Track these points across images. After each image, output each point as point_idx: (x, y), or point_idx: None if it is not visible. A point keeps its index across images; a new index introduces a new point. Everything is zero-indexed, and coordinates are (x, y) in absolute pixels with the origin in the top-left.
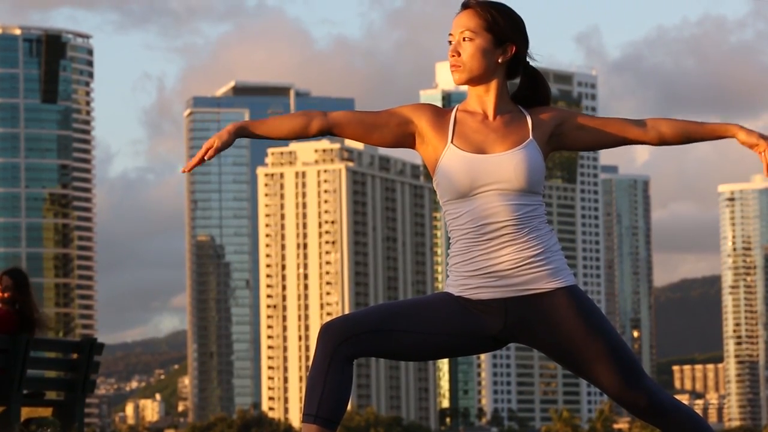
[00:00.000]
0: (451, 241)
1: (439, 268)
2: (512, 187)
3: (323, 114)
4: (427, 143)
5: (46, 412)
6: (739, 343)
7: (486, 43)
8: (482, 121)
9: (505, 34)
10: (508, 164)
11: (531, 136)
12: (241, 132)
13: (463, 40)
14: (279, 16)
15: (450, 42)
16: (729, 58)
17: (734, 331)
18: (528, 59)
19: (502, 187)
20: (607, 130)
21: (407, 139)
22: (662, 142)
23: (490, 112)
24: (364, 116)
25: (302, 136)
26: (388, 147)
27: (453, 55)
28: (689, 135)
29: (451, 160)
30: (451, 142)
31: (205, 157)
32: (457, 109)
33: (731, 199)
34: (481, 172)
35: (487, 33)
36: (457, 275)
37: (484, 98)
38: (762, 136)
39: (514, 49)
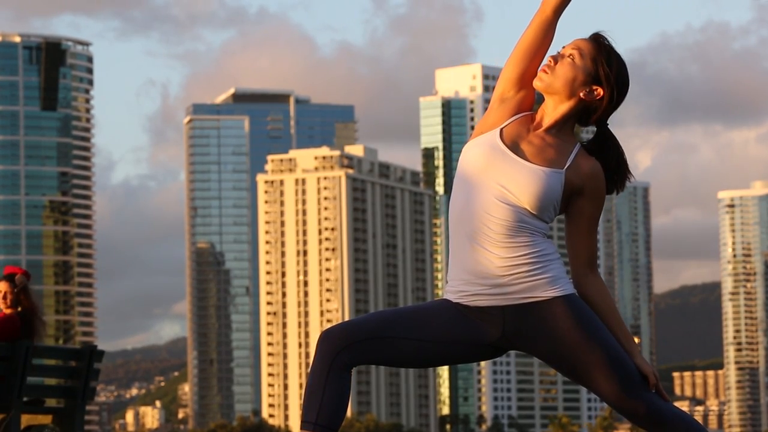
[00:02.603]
0: (449, 225)
1: (439, 275)
2: (516, 197)
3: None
4: (501, 111)
5: (46, 419)
6: (739, 350)
7: (582, 73)
8: (531, 129)
9: (603, 77)
10: (525, 176)
11: (564, 169)
12: None
13: (568, 56)
14: (282, 23)
15: (559, 53)
16: (733, 65)
17: (734, 337)
18: (607, 119)
19: (507, 192)
20: (572, 235)
21: (512, 90)
22: (580, 290)
23: (543, 125)
24: (543, 52)
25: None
26: (506, 74)
27: (549, 62)
28: (604, 316)
29: (486, 142)
30: (502, 129)
31: None
32: (530, 112)
33: (731, 206)
34: (498, 165)
35: (591, 66)
36: (454, 281)
37: (547, 113)
38: (654, 373)
39: (600, 94)
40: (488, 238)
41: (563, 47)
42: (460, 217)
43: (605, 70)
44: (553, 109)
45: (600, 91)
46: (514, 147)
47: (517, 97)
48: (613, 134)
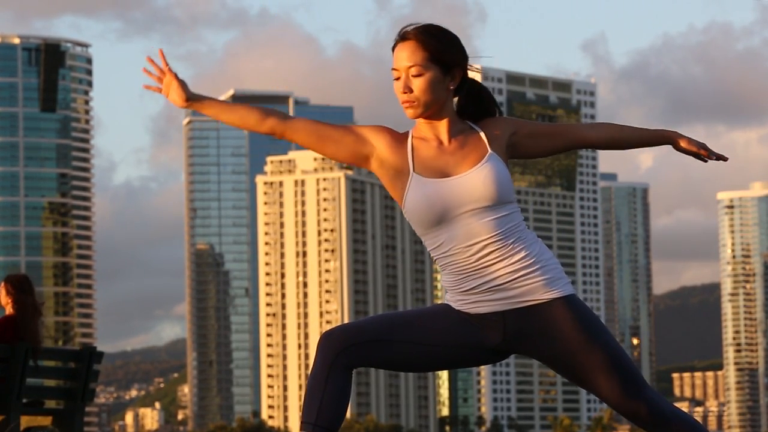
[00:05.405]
0: (438, 267)
1: (439, 276)
2: (485, 203)
3: (282, 115)
4: (386, 168)
5: (45, 420)
6: (738, 351)
7: (435, 74)
8: (438, 147)
9: (451, 60)
10: (475, 182)
11: (490, 150)
12: (192, 99)
13: (412, 74)
14: (284, 23)
15: (396, 77)
16: (736, 65)
17: (734, 338)
18: (470, 74)
19: (475, 207)
20: (557, 136)
21: (362, 159)
22: (606, 145)
23: (445, 138)
24: (321, 127)
25: (252, 129)
26: (342, 161)
27: (405, 92)
28: (629, 139)
29: (419, 190)
30: (414, 171)
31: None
32: (412, 136)
33: (730, 207)
34: (451, 196)
35: (434, 64)
36: (452, 293)
37: (437, 125)
38: (702, 144)
39: (459, 73)
40: (484, 261)
41: (394, 69)
42: (449, 256)
43: (445, 54)
44: (439, 119)
45: (457, 72)
46: (444, 172)
47: (379, 149)
48: (475, 80)
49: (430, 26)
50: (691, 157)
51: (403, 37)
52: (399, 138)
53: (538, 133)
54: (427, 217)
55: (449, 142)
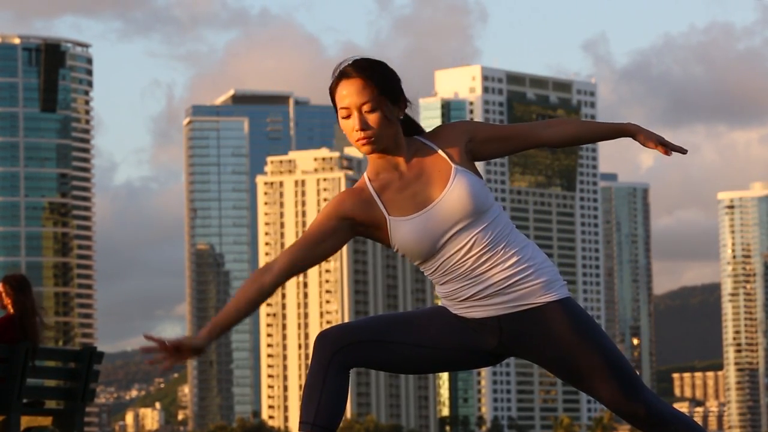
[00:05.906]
0: (433, 282)
1: None
2: (467, 220)
3: (270, 267)
4: (366, 226)
5: (45, 421)
6: (738, 351)
7: (386, 107)
8: (400, 180)
9: (396, 92)
10: (452, 204)
11: (453, 164)
12: (204, 343)
13: (366, 111)
14: (285, 24)
15: (347, 116)
16: (737, 65)
17: (734, 338)
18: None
19: (459, 227)
20: (513, 139)
21: (350, 233)
22: (565, 143)
23: (403, 167)
24: (303, 242)
25: (265, 298)
26: (340, 248)
27: (362, 129)
28: (587, 135)
29: (402, 232)
30: (389, 215)
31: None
32: (369, 180)
33: (731, 207)
34: (433, 227)
35: (383, 97)
36: (447, 299)
37: (392, 157)
38: (660, 138)
39: (405, 103)
40: (478, 270)
41: (344, 108)
42: (446, 275)
43: (391, 86)
44: (395, 149)
45: (404, 98)
46: (418, 204)
47: (354, 215)
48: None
49: (369, 60)
50: (692, 157)
51: (344, 74)
52: (360, 193)
53: (494, 138)
54: (419, 252)
55: (408, 169)
